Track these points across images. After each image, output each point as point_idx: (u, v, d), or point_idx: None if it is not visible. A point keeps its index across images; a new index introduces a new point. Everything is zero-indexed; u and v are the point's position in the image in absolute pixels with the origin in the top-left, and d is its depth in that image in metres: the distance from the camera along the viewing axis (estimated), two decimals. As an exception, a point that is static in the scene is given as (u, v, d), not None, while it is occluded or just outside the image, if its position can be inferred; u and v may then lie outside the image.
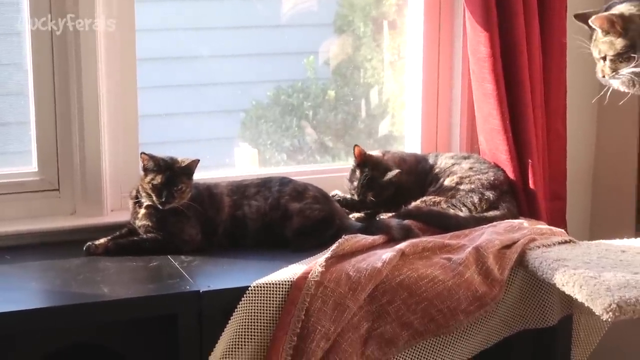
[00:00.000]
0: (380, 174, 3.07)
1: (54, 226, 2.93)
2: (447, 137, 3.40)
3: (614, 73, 2.50)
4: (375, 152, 3.19)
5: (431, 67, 3.37)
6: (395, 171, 3.06)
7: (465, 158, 3.17)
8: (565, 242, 2.78)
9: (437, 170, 3.14)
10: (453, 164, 3.13)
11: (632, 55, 2.45)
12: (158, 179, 2.77)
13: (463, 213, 2.96)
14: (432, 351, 2.62)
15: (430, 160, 3.19)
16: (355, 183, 3.09)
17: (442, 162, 3.16)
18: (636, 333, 3.22)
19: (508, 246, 2.72)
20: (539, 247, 2.71)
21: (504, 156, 3.11)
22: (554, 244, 2.74)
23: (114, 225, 2.90)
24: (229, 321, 2.43)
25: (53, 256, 2.77)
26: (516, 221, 2.94)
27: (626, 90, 2.53)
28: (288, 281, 2.50)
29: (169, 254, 2.75)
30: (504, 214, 3.00)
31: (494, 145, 3.14)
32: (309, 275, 2.51)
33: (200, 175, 2.90)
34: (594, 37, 2.54)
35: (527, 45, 3.09)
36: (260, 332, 2.46)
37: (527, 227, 2.86)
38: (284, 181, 2.93)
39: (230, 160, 3.36)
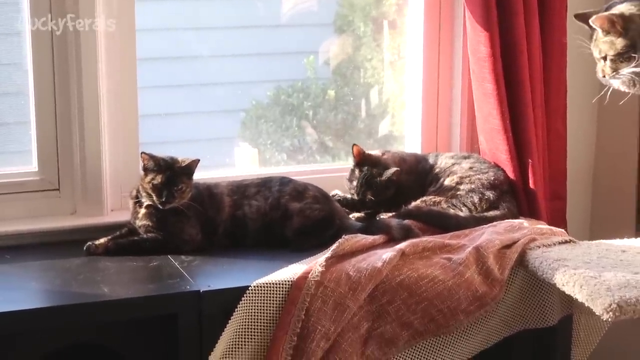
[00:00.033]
0: (379, 173, 3.07)
1: (54, 226, 2.93)
2: (447, 137, 3.40)
3: (614, 73, 2.50)
4: (374, 152, 3.19)
5: (431, 67, 3.37)
6: (394, 169, 3.06)
7: (465, 158, 3.17)
8: (566, 242, 2.78)
9: (437, 170, 3.14)
10: (453, 164, 3.13)
11: (633, 55, 2.45)
12: (158, 179, 2.77)
13: (463, 213, 2.96)
14: (432, 351, 2.62)
15: (431, 160, 3.19)
16: (355, 182, 3.09)
17: (442, 161, 3.16)
18: (636, 333, 3.22)
19: (508, 246, 2.72)
20: (539, 247, 2.71)
21: (504, 156, 3.11)
22: (554, 244, 2.74)
23: (114, 225, 2.90)
24: (229, 321, 2.43)
25: (53, 256, 2.77)
26: (516, 221, 2.94)
27: (626, 90, 2.53)
28: (288, 281, 2.50)
29: (169, 253, 2.75)
30: (504, 214, 3.00)
31: (494, 145, 3.14)
32: (309, 275, 2.51)
33: (200, 175, 2.90)
34: (594, 37, 2.54)
35: (527, 45, 3.09)
36: (261, 332, 2.46)
37: (527, 227, 2.86)
38: (284, 181, 2.93)
39: (231, 160, 3.36)
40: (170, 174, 2.78)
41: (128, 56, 3.01)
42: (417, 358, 2.60)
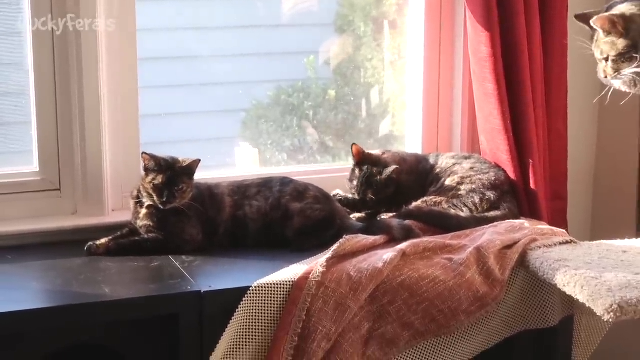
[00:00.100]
0: (379, 172, 3.07)
1: (55, 226, 2.93)
2: (448, 137, 3.40)
3: (616, 73, 2.50)
4: (374, 151, 3.19)
5: (432, 67, 3.37)
6: (393, 167, 3.06)
7: (466, 158, 3.17)
8: (567, 242, 2.78)
9: (438, 170, 3.14)
10: (454, 164, 3.13)
11: (634, 55, 2.45)
12: (159, 179, 2.77)
13: (464, 213, 2.96)
14: (433, 352, 2.62)
15: (431, 160, 3.19)
16: (355, 182, 3.09)
17: (443, 162, 3.16)
18: (637, 334, 3.22)
19: (509, 246, 2.72)
20: (540, 248, 2.71)
21: (505, 156, 3.11)
22: (555, 245, 2.74)
23: (115, 225, 2.90)
24: (230, 321, 2.43)
25: (54, 256, 2.77)
26: (517, 221, 2.94)
27: (627, 90, 2.54)
28: (289, 281, 2.50)
29: (170, 254, 2.75)
30: (505, 214, 3.00)
31: (495, 145, 3.14)
32: (310, 275, 2.51)
33: (201, 175, 2.90)
34: (595, 38, 2.54)
35: (528, 45, 3.09)
36: (262, 333, 2.46)
37: (528, 228, 2.86)
38: (284, 181, 2.93)
39: (231, 160, 3.37)
40: (171, 174, 2.78)
41: (129, 56, 3.01)
42: (418, 358, 2.60)
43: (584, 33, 2.61)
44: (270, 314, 2.47)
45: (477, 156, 3.20)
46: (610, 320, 2.34)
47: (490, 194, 3.02)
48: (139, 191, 2.84)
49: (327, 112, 3.49)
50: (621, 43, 2.47)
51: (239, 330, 2.44)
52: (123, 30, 2.98)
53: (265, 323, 2.46)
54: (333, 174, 3.29)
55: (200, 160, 2.83)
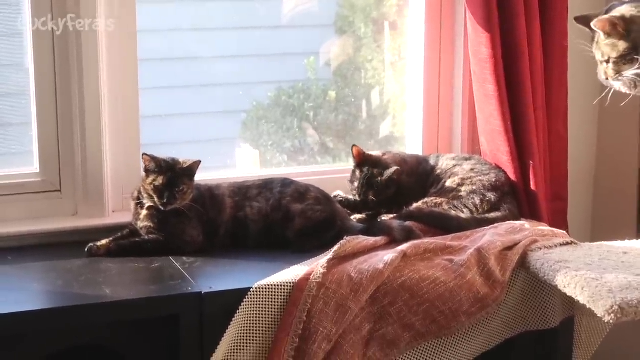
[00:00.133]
0: (380, 173, 3.07)
1: (55, 227, 2.93)
2: (449, 139, 3.40)
3: (617, 75, 2.50)
4: (375, 152, 3.19)
5: (432, 68, 3.37)
6: (394, 168, 3.06)
7: (466, 159, 3.17)
8: (567, 243, 2.78)
9: (438, 171, 3.14)
10: (454, 165, 3.13)
11: (635, 57, 2.45)
12: (160, 180, 2.77)
13: (464, 214, 2.96)
14: (434, 353, 2.62)
15: (432, 162, 3.19)
16: (356, 183, 3.09)
17: (444, 163, 3.16)
18: (638, 335, 3.22)
19: (510, 248, 2.72)
20: (540, 249, 2.71)
21: (505, 157, 3.12)
22: (556, 246, 2.74)
23: (116, 226, 2.90)
24: (231, 322, 2.43)
25: (55, 257, 2.77)
26: (518, 222, 2.94)
27: (628, 92, 2.54)
28: (290, 282, 2.50)
29: (171, 255, 2.75)
30: (506, 216, 3.00)
31: (495, 146, 3.14)
32: (311, 276, 2.51)
33: (201, 176, 2.90)
34: (595, 40, 2.54)
35: (528, 47, 3.09)
36: (262, 334, 2.46)
37: (529, 229, 2.86)
38: (285, 182, 2.93)
39: (232, 161, 3.37)
40: (172, 175, 2.78)
41: (129, 57, 3.01)
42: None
43: (584, 35, 2.61)
44: (271, 315, 2.47)
45: (477, 157, 3.20)
46: (611, 321, 2.34)
47: (491, 195, 3.02)
48: (139, 192, 2.84)
49: (327, 113, 3.49)
50: (622, 45, 2.47)
51: (240, 332, 2.44)
52: (123, 30, 2.98)
53: (265, 324, 2.46)
54: (333, 175, 3.29)
55: (200, 161, 2.83)
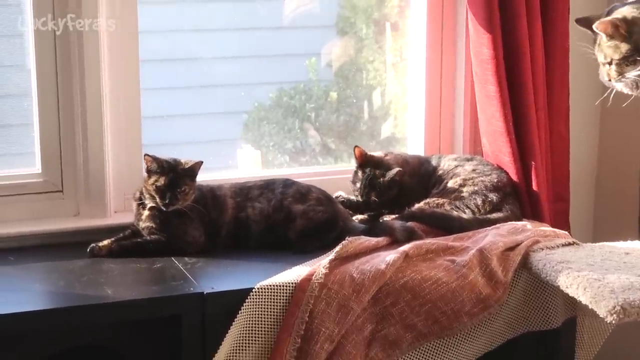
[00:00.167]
0: (382, 174, 3.07)
1: (57, 227, 2.93)
2: (450, 139, 3.40)
3: (619, 76, 2.50)
4: (377, 153, 3.19)
5: (434, 69, 3.37)
6: (396, 169, 3.06)
7: (468, 160, 3.17)
8: (569, 244, 2.78)
9: (440, 172, 3.14)
10: (456, 166, 3.13)
11: (638, 58, 2.45)
12: (161, 181, 2.77)
13: (466, 215, 2.96)
14: (436, 353, 2.61)
15: (433, 162, 3.19)
16: (358, 184, 3.09)
17: (445, 164, 3.16)
18: (640, 335, 3.22)
19: (511, 248, 2.72)
20: (542, 249, 2.71)
21: (507, 158, 3.11)
22: (558, 246, 2.74)
23: (118, 226, 2.90)
24: (233, 323, 2.43)
25: (56, 258, 2.77)
26: (519, 223, 2.94)
27: (630, 93, 2.54)
28: (292, 283, 2.50)
29: (173, 255, 2.75)
30: (508, 216, 3.00)
31: (497, 147, 3.14)
32: (313, 277, 2.51)
33: (203, 177, 2.90)
34: (597, 42, 2.54)
35: (530, 47, 3.09)
36: (264, 334, 2.46)
37: (531, 229, 2.86)
38: (287, 183, 2.93)
39: (233, 162, 3.37)
40: (174, 176, 2.78)
41: (131, 58, 3.01)
42: (421, 360, 2.61)
43: (586, 36, 2.61)
44: (273, 315, 2.47)
45: (479, 158, 3.20)
46: (613, 322, 2.34)
47: (493, 196, 3.02)
48: (141, 193, 2.84)
49: (328, 114, 3.49)
50: (624, 47, 2.47)
51: (242, 332, 2.44)
52: (125, 31, 2.98)
53: (267, 325, 2.46)
54: (335, 176, 3.29)
55: (202, 162, 2.83)
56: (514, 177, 3.11)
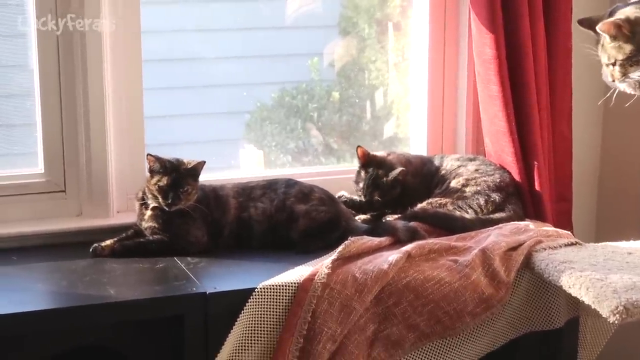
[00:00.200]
0: (385, 173, 3.07)
1: (60, 227, 2.93)
2: (453, 139, 3.40)
3: (623, 77, 2.49)
4: (379, 153, 3.19)
5: (436, 68, 3.37)
6: (399, 169, 3.06)
7: (471, 160, 3.17)
8: (572, 244, 2.78)
9: (442, 172, 3.14)
10: (459, 166, 3.13)
11: None
12: (164, 181, 2.77)
13: (469, 215, 2.96)
14: (438, 353, 2.61)
15: (436, 162, 3.19)
16: (361, 184, 3.09)
17: (448, 164, 3.16)
18: (642, 335, 3.22)
19: (514, 248, 2.72)
20: (545, 249, 2.71)
21: (509, 158, 3.11)
22: (560, 246, 2.74)
23: (120, 226, 2.90)
24: (236, 323, 2.43)
25: (59, 258, 2.77)
26: (522, 223, 2.94)
27: (633, 93, 2.53)
28: (294, 283, 2.50)
29: (175, 255, 2.75)
30: (510, 216, 3.00)
31: (500, 147, 3.14)
32: (315, 277, 2.51)
33: (206, 177, 2.90)
34: (601, 43, 2.53)
35: (532, 47, 3.09)
36: (267, 334, 2.46)
37: (533, 229, 2.86)
38: (289, 183, 2.93)
39: (236, 162, 3.37)
40: (176, 176, 2.78)
41: (133, 58, 3.01)
42: (423, 360, 2.61)
43: (588, 37, 2.60)
44: (276, 315, 2.47)
45: (481, 158, 3.20)
46: (616, 322, 2.34)
47: (495, 196, 3.02)
48: (144, 193, 2.84)
49: (331, 114, 3.49)
50: (628, 47, 2.47)
51: (244, 332, 2.44)
52: (127, 31, 2.98)
53: (270, 325, 2.46)
54: (337, 176, 3.29)
55: (205, 162, 2.83)
56: (517, 177, 3.11)
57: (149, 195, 2.81)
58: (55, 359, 2.47)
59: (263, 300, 2.46)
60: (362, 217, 3.04)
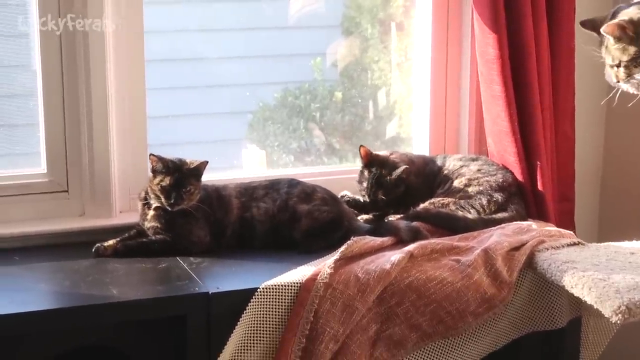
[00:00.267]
0: (389, 172, 3.07)
1: (62, 227, 2.93)
2: (455, 139, 3.40)
3: (628, 78, 2.49)
4: (382, 152, 3.19)
5: (439, 68, 3.37)
6: (403, 167, 3.06)
7: (473, 160, 3.16)
8: (574, 244, 2.78)
9: (445, 172, 3.14)
10: (461, 166, 3.13)
11: None
12: (167, 181, 2.77)
13: (471, 215, 2.96)
14: (441, 353, 2.61)
15: (439, 162, 3.19)
16: (365, 184, 3.09)
17: (451, 163, 3.16)
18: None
19: (517, 248, 2.72)
20: (547, 249, 2.71)
21: (512, 158, 3.11)
22: (563, 246, 2.74)
23: (123, 226, 2.91)
24: (238, 323, 2.43)
25: (62, 257, 2.77)
26: (525, 223, 2.94)
27: (636, 93, 2.53)
28: (297, 283, 2.50)
29: (178, 255, 2.75)
30: (513, 216, 3.00)
31: (503, 147, 3.14)
32: (318, 277, 2.51)
33: (208, 177, 2.90)
34: (605, 44, 2.53)
35: (535, 47, 3.08)
36: (269, 334, 2.46)
37: (536, 229, 2.86)
38: (292, 183, 2.93)
39: (238, 162, 3.37)
40: (179, 176, 2.78)
41: (136, 58, 3.01)
42: (426, 360, 2.61)
43: (592, 38, 2.60)
44: (278, 315, 2.47)
45: (484, 158, 3.20)
46: (618, 321, 2.34)
47: (498, 196, 3.02)
48: (146, 193, 2.84)
49: (333, 114, 3.49)
50: (632, 48, 2.46)
51: (247, 332, 2.44)
52: (130, 31, 2.98)
53: (272, 324, 2.46)
54: (340, 176, 3.29)
55: (207, 162, 2.83)
56: (519, 177, 3.10)
57: (152, 195, 2.81)
58: (58, 358, 2.48)
59: (265, 300, 2.46)
60: (365, 217, 3.04)
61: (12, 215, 2.93)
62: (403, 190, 3.07)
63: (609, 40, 2.51)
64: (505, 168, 3.14)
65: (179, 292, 2.50)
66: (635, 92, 2.52)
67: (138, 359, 2.54)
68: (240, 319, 2.43)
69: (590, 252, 2.70)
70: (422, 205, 3.00)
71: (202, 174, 2.83)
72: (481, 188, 3.04)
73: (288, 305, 2.48)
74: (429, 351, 2.60)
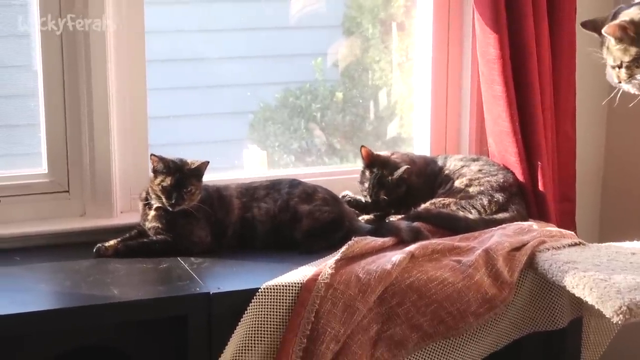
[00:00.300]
0: (390, 172, 3.07)
1: (63, 228, 2.93)
2: (456, 139, 3.40)
3: (630, 78, 2.49)
4: (383, 153, 3.19)
5: (440, 68, 3.37)
6: (404, 167, 3.06)
7: (474, 160, 3.16)
8: (575, 244, 2.78)
9: (446, 172, 3.14)
10: (462, 166, 3.13)
11: None
12: (168, 181, 2.77)
13: (472, 215, 2.96)
14: (442, 353, 2.61)
15: (440, 162, 3.19)
16: (367, 184, 3.09)
17: (451, 164, 3.16)
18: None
19: (518, 248, 2.72)
20: (548, 250, 2.71)
21: (513, 158, 3.11)
22: (564, 247, 2.74)
23: (124, 226, 2.91)
24: (239, 323, 2.43)
25: (63, 258, 2.77)
26: (525, 223, 2.94)
27: (637, 93, 2.53)
28: (298, 283, 2.50)
29: (179, 255, 2.75)
30: (514, 216, 2.99)
31: (503, 147, 3.14)
32: (319, 277, 2.51)
33: (209, 177, 2.90)
34: (606, 45, 2.53)
35: (536, 47, 3.08)
36: (270, 334, 2.46)
37: (537, 230, 2.85)
38: (293, 183, 2.93)
39: (239, 162, 3.37)
40: (180, 176, 2.78)
41: (137, 58, 3.01)
42: (427, 360, 2.61)
43: (593, 39, 2.60)
44: (279, 315, 2.47)
45: (485, 158, 3.20)
46: (619, 322, 2.34)
47: (499, 196, 3.02)
48: (147, 193, 2.84)
49: (334, 114, 3.49)
50: (634, 49, 2.46)
51: (248, 332, 2.44)
52: (131, 31, 2.98)
53: (273, 325, 2.46)
54: (341, 176, 3.29)
55: (209, 162, 2.83)
56: (520, 177, 3.10)
57: (153, 196, 2.81)
58: (58, 359, 2.47)
59: (266, 300, 2.46)
60: (366, 217, 3.04)
61: (13, 215, 2.93)
62: (404, 191, 3.07)
63: (610, 41, 2.51)
64: (506, 168, 3.14)
65: (180, 292, 2.50)
66: (637, 93, 2.52)
67: (139, 359, 2.54)
68: (241, 319, 2.43)
69: (591, 253, 2.70)
70: (423, 206, 3.00)
71: (203, 174, 2.83)
72: (482, 188, 3.04)
73: (289, 306, 2.48)
74: (430, 351, 2.60)
